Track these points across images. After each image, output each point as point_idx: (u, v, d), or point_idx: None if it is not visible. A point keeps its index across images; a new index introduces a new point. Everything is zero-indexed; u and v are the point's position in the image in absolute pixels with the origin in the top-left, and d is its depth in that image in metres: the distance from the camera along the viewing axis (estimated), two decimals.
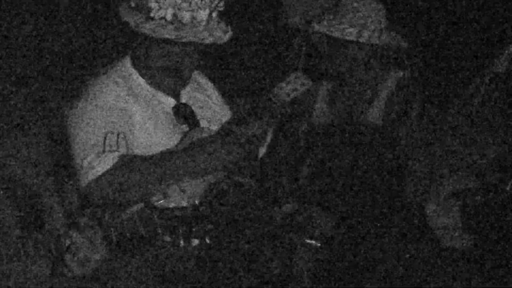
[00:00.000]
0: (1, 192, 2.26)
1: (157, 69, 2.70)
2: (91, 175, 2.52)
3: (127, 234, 2.21)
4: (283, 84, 2.84)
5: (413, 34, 3.92)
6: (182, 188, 2.62)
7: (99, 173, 2.51)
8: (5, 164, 2.40)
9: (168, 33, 2.58)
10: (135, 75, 2.76)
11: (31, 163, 3.22)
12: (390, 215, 3.06)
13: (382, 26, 3.18)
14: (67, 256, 2.13)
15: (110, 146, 2.55)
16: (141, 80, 2.75)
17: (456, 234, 2.90)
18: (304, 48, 3.48)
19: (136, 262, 2.59)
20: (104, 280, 2.51)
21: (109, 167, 2.52)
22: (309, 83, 2.84)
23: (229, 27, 2.69)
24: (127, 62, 2.78)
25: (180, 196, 2.61)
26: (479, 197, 2.88)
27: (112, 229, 2.19)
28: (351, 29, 3.13)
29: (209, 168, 2.63)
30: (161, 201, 2.38)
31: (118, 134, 2.57)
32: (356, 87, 3.26)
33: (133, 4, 2.65)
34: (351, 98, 3.27)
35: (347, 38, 3.12)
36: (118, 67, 2.78)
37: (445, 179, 3.02)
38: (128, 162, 2.54)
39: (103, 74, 2.76)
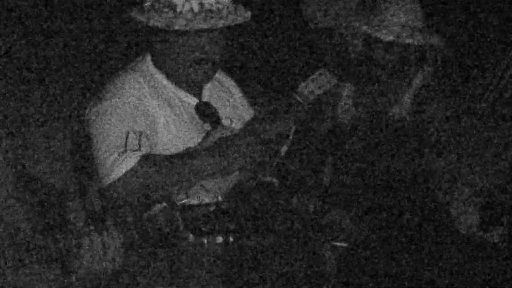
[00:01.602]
0: (20, 191, 2.26)
1: (185, 63, 2.69)
2: (114, 175, 2.51)
3: (150, 232, 2.19)
4: (308, 82, 2.83)
5: (448, 32, 3.87)
6: (205, 187, 2.61)
7: (122, 173, 2.51)
8: (27, 163, 2.39)
9: (201, 24, 2.59)
10: (157, 73, 2.76)
11: (54, 163, 3.22)
12: (415, 213, 3.04)
13: (420, 25, 3.14)
14: (84, 258, 2.12)
15: (133, 145, 2.54)
16: (163, 79, 2.75)
17: (480, 232, 2.87)
18: (333, 47, 3.44)
19: (157, 261, 2.58)
20: (126, 280, 2.52)
21: (131, 166, 2.51)
22: (334, 81, 2.82)
23: (247, 10, 2.72)
24: (148, 60, 2.78)
25: (203, 195, 2.60)
26: (503, 195, 2.85)
27: (134, 228, 2.18)
28: (391, 29, 3.08)
29: (232, 167, 2.63)
30: (184, 200, 2.37)
31: (140, 134, 2.57)
32: (385, 86, 3.22)
33: (148, 5, 2.67)
34: (378, 97, 3.24)
35: (387, 38, 3.07)
36: (139, 66, 2.78)
37: (470, 177, 3.00)
38: (150, 162, 2.54)
39: (124, 72, 2.76)
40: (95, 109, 2.64)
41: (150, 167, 2.53)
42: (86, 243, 2.12)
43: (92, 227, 2.15)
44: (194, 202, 2.39)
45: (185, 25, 2.59)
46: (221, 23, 2.61)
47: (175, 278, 2.60)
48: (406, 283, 2.86)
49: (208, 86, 2.83)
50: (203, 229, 2.23)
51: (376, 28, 3.09)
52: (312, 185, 3.14)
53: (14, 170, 2.27)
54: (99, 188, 2.59)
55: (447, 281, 2.82)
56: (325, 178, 3.17)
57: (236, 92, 2.99)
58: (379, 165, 3.12)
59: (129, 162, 2.52)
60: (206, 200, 2.48)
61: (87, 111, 2.68)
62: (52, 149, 3.41)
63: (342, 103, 3.27)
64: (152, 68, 2.76)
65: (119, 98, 2.63)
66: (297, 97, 2.78)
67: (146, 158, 2.54)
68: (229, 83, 3.00)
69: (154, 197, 2.51)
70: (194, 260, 2.64)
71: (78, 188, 2.78)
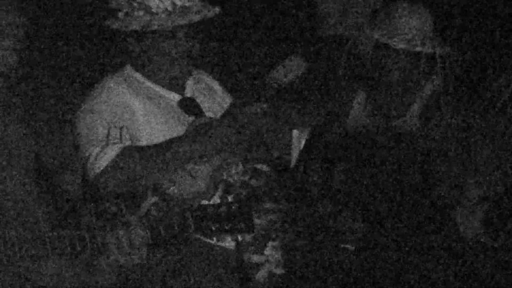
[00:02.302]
0: (37, 187, 2.32)
1: (164, 61, 2.84)
2: (98, 167, 2.64)
3: (161, 231, 2.26)
4: (280, 68, 2.91)
5: (457, 41, 3.91)
6: (191, 173, 2.70)
7: (105, 165, 2.64)
8: (42, 159, 2.46)
9: (177, 21, 2.76)
10: (137, 75, 2.89)
11: (66, 159, 3.31)
12: (421, 219, 3.07)
13: (431, 34, 3.19)
14: (103, 254, 2.19)
15: (114, 138, 2.68)
16: (143, 79, 2.88)
17: (484, 238, 2.91)
18: (346, 55, 3.48)
19: (170, 260, 2.66)
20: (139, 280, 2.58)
21: (112, 158, 2.64)
22: (305, 66, 2.88)
23: (215, 6, 2.87)
24: (129, 67, 2.92)
25: (189, 181, 2.69)
26: (507, 202, 2.89)
27: (156, 225, 2.25)
28: (402, 37, 3.13)
29: (213, 149, 2.73)
30: (171, 188, 2.49)
31: (121, 128, 2.71)
32: (395, 93, 3.26)
33: (122, 14, 2.82)
34: (388, 104, 3.28)
35: (398, 46, 3.12)
36: (119, 72, 2.92)
37: (475, 184, 3.03)
38: (132, 152, 2.67)
39: (106, 77, 2.90)
40: (79, 110, 2.79)
41: (132, 157, 2.65)
42: (112, 239, 2.20)
43: (116, 222, 2.22)
44: (205, 202, 2.48)
45: (162, 24, 2.74)
46: (196, 18, 2.76)
47: (187, 276, 2.68)
48: (411, 286, 2.91)
49: (189, 82, 2.96)
50: (212, 228, 2.30)
51: (388, 35, 3.14)
52: (322, 191, 3.19)
53: (32, 166, 2.35)
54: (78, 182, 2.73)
55: (451, 285, 2.87)
56: (335, 185, 3.21)
57: (216, 86, 3.11)
58: (387, 171, 3.16)
59: (111, 153, 2.65)
60: (216, 199, 2.59)
61: (74, 113, 2.82)
62: (63, 146, 3.49)
63: (354, 111, 3.32)
64: (132, 72, 2.90)
65: (100, 96, 2.78)
66: (271, 82, 2.86)
67: (127, 149, 2.67)
68: (208, 78, 3.11)
69: (140, 186, 2.62)
70: (204, 259, 2.73)
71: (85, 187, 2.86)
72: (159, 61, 2.84)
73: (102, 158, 2.65)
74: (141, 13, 2.78)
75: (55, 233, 2.17)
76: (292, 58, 2.91)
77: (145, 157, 2.66)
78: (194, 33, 2.84)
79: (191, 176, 2.69)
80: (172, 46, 2.82)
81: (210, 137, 2.72)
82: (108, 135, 2.69)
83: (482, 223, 2.92)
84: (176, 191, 2.61)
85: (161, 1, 2.76)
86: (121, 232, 2.20)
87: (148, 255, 2.26)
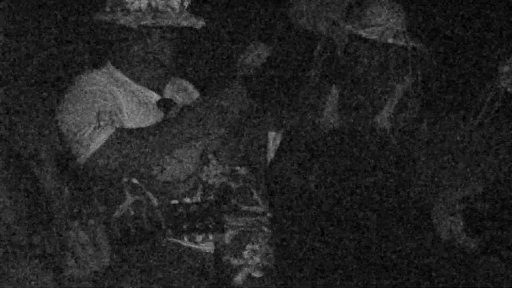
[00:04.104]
0: (12, 189, 2.30)
1: (139, 62, 2.84)
2: (92, 149, 2.62)
3: (132, 231, 2.25)
4: (245, 55, 2.93)
5: (431, 38, 3.93)
6: (177, 157, 2.71)
7: (98, 146, 2.62)
8: (18, 157, 2.43)
9: (146, 21, 2.74)
10: (117, 72, 2.89)
11: (39, 158, 3.28)
12: (396, 219, 3.08)
13: (403, 29, 3.24)
14: (70, 256, 2.17)
15: (105, 120, 2.66)
16: (125, 78, 2.88)
17: (461, 239, 2.92)
18: (320, 50, 3.50)
19: (140, 259, 2.64)
20: (108, 280, 2.56)
21: (106, 139, 2.62)
22: (269, 50, 2.91)
23: (202, 18, 2.85)
24: (109, 65, 2.92)
25: (177, 165, 2.70)
26: (485, 203, 2.89)
27: (116, 225, 2.24)
28: (374, 29, 3.18)
29: (197, 133, 2.74)
30: (159, 174, 2.48)
31: (110, 112, 2.69)
32: (368, 91, 3.29)
33: (108, 9, 2.84)
34: (362, 103, 3.30)
35: (371, 37, 3.18)
36: (100, 68, 2.92)
37: (452, 184, 3.04)
38: (124, 134, 2.65)
39: (87, 71, 2.90)
40: (63, 101, 2.76)
41: (124, 139, 2.63)
42: (71, 239, 2.17)
43: (76, 224, 2.20)
44: (175, 201, 2.47)
45: (133, 21, 2.74)
46: (166, 22, 2.76)
47: (156, 276, 2.67)
48: (385, 283, 2.91)
49: (169, 86, 2.97)
50: (184, 227, 2.28)
51: (361, 27, 3.19)
52: (298, 190, 3.19)
53: (7, 167, 2.33)
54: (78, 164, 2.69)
55: (423, 281, 2.88)
56: (310, 184, 3.22)
57: (195, 92, 3.12)
58: (362, 172, 3.17)
59: (105, 134, 2.63)
60: (187, 199, 2.59)
61: (56, 108, 2.79)
62: (39, 143, 3.48)
63: (327, 110, 3.34)
64: (113, 69, 2.90)
65: (85, 87, 2.77)
66: (239, 70, 2.89)
67: (120, 130, 2.65)
68: (186, 84, 3.13)
69: (131, 169, 2.64)
70: (181, 262, 2.71)
71: (60, 181, 2.85)
72: (134, 63, 2.85)
73: (96, 139, 2.62)
74: (118, 8, 2.80)
75: (23, 236, 2.15)
76: (255, 43, 2.94)
77: (134, 138, 2.65)
78: (170, 40, 2.84)
79: (178, 160, 2.69)
80: (146, 49, 2.82)
81: (190, 120, 2.72)
82: (98, 118, 2.67)
83: (461, 224, 2.92)
84: (164, 176, 2.61)
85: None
86: (80, 233, 2.18)
87: (117, 257, 2.24)
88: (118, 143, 2.62)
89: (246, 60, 2.92)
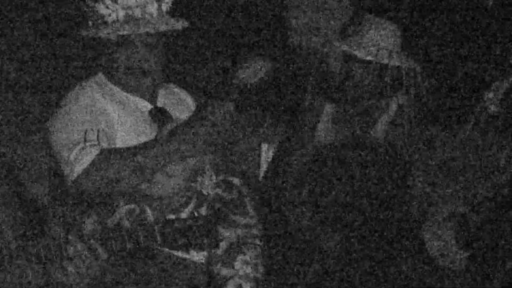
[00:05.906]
0: (5, 196, 2.31)
1: (126, 73, 2.83)
2: (78, 170, 2.63)
3: (127, 245, 2.26)
4: (244, 69, 2.93)
5: (425, 56, 3.96)
6: (168, 173, 2.72)
7: (84, 167, 2.62)
8: (12, 167, 2.44)
9: (125, 31, 2.74)
10: (108, 83, 2.88)
11: (33, 167, 3.29)
12: (389, 233, 3.10)
13: (397, 48, 3.25)
14: (68, 265, 2.18)
15: (91, 140, 2.66)
16: (116, 88, 2.87)
17: (451, 255, 2.94)
18: (316, 67, 3.51)
19: (135, 272, 2.66)
20: None
21: (92, 159, 2.62)
22: (269, 65, 2.91)
23: (183, 19, 2.85)
24: (101, 75, 2.91)
25: (167, 181, 2.71)
26: (476, 219, 2.92)
27: (113, 238, 2.25)
28: (369, 49, 3.19)
29: (187, 150, 2.74)
30: (148, 190, 2.49)
31: (98, 130, 2.69)
32: (363, 107, 3.30)
33: (90, 23, 2.83)
34: (356, 118, 3.31)
35: (367, 58, 3.18)
36: (91, 79, 2.91)
37: (443, 201, 3.06)
38: (111, 154, 2.65)
39: (79, 84, 2.89)
40: (54, 116, 2.77)
41: (111, 158, 2.64)
42: (68, 251, 2.19)
43: (71, 237, 2.21)
44: (172, 216, 2.48)
45: (112, 33, 2.74)
46: (145, 29, 2.74)
47: (148, 286, 2.68)
48: None
49: (161, 93, 2.96)
50: (179, 242, 2.30)
51: (356, 47, 3.20)
52: (293, 204, 3.20)
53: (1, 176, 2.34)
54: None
55: None
56: (304, 198, 3.23)
57: (187, 98, 3.11)
58: (357, 185, 3.18)
59: (90, 155, 2.63)
60: (183, 215, 2.60)
61: (47, 122, 2.79)
62: (31, 154, 3.48)
63: (321, 125, 3.35)
64: (104, 79, 2.89)
65: (75, 102, 2.77)
66: (237, 83, 2.88)
67: (106, 151, 2.65)
68: (178, 90, 3.11)
69: (120, 188, 2.63)
70: (172, 272, 2.73)
71: (54, 192, 2.86)
72: (122, 73, 2.84)
73: (81, 161, 2.62)
74: (99, 21, 2.79)
75: (15, 243, 2.16)
76: (256, 58, 2.94)
77: (123, 158, 2.65)
78: (155, 49, 2.83)
79: (168, 176, 2.69)
80: (133, 58, 2.81)
81: (182, 138, 2.72)
82: (85, 137, 2.66)
83: (454, 241, 2.94)
84: (154, 191, 2.61)
85: (113, 11, 2.76)
86: (78, 245, 2.19)
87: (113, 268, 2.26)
88: (103, 164, 2.62)
89: (244, 74, 2.91)
